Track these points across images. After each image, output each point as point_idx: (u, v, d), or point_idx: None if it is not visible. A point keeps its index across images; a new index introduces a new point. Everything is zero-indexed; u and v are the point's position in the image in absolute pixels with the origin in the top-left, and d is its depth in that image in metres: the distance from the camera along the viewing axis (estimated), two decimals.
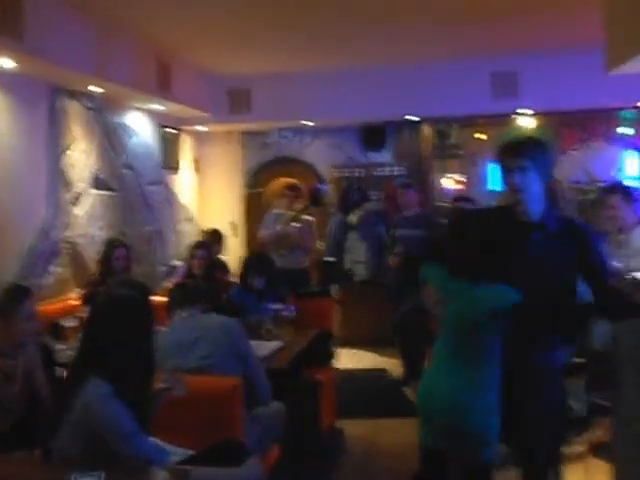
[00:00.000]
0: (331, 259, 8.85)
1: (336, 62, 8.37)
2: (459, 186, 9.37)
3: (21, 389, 3.49)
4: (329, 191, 8.18)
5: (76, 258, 6.46)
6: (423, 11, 6.32)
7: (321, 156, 9.86)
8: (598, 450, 4.73)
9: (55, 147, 6.27)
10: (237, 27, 6.67)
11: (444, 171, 9.49)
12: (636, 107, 8.75)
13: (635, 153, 8.92)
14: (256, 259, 5.94)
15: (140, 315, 3.02)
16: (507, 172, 3.11)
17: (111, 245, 6.29)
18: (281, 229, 7.54)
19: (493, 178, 8.88)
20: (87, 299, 5.52)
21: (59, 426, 2.86)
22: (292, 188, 7.90)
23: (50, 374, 3.70)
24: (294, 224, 7.58)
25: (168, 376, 3.22)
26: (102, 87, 6.60)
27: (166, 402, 3.21)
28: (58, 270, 6.25)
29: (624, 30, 4.73)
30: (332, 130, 9.74)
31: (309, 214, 7.79)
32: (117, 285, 4.57)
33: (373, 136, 9.68)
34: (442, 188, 9.43)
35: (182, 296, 4.18)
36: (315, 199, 7.71)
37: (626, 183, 6.45)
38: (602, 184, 8.00)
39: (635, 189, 5.66)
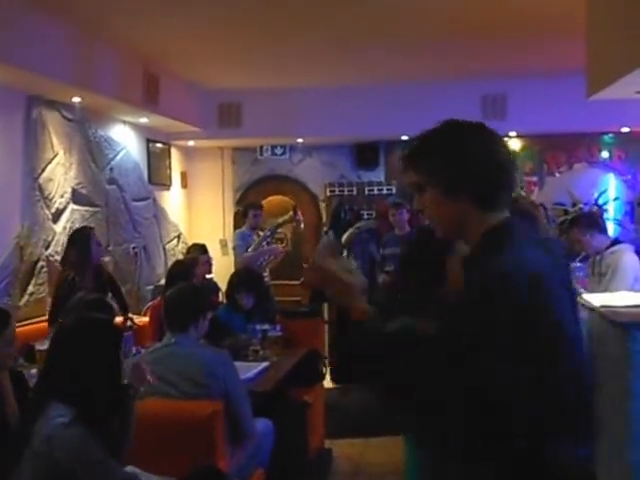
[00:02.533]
0: None
1: (329, 80, 8.37)
2: None
3: None
4: (302, 222, 8.11)
5: (54, 277, 6.12)
6: (417, 32, 6.40)
7: (313, 174, 9.80)
8: None
9: (32, 160, 6.04)
10: (229, 40, 6.59)
11: None
12: (618, 132, 9.03)
13: (616, 176, 9.22)
14: (244, 275, 5.75)
15: (104, 337, 2.87)
16: None
17: (89, 231, 5.91)
18: (260, 250, 7.31)
19: None
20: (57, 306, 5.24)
21: (19, 459, 2.65)
22: (257, 207, 7.75)
23: (22, 400, 3.45)
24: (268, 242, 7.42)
25: (130, 372, 3.03)
26: (84, 98, 6.41)
27: (145, 428, 3.08)
28: (35, 290, 5.99)
29: (604, 57, 4.86)
30: (324, 148, 9.71)
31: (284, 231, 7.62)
32: (83, 306, 4.31)
33: (366, 154, 9.65)
34: None
35: (176, 318, 3.92)
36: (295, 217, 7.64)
37: (593, 210, 7.32)
38: (584, 206, 8.78)
39: (600, 215, 6.43)
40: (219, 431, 3.57)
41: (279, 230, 7.66)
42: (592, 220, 5.53)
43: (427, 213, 1.93)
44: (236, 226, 9.70)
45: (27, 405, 2.97)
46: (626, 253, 5.08)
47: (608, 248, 5.17)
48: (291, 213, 7.65)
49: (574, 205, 8.88)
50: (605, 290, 4.76)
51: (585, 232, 5.24)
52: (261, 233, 7.49)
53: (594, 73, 5.02)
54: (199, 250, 7.32)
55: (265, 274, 7.40)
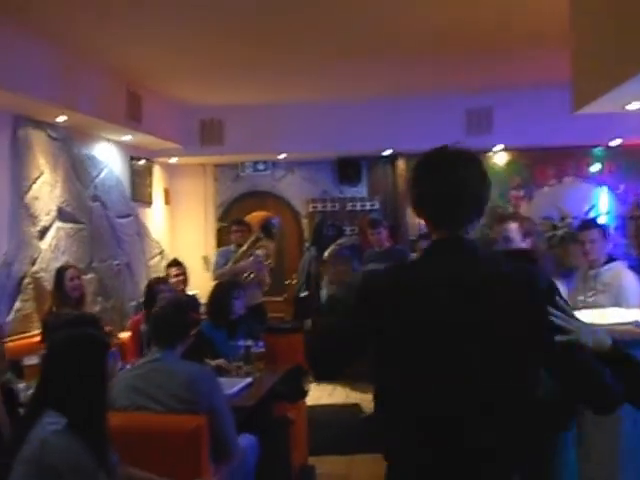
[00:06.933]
0: (305, 294, 8.71)
1: (311, 95, 8.40)
2: None
3: None
4: (280, 225, 8.04)
5: (41, 293, 6.25)
6: (399, 46, 6.39)
7: (295, 190, 9.85)
8: None
9: (18, 178, 6.11)
10: (210, 58, 6.66)
11: None
12: (606, 145, 8.99)
13: (606, 190, 9.12)
14: (229, 284, 5.78)
15: (90, 351, 2.93)
16: None
17: (61, 270, 6.10)
18: (236, 265, 7.32)
19: None
20: (48, 333, 5.36)
21: (11, 465, 2.73)
22: (239, 223, 7.75)
23: (12, 413, 3.52)
24: (249, 258, 7.38)
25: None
26: (69, 117, 6.47)
27: (129, 442, 3.14)
28: (22, 306, 6.06)
29: (589, 72, 4.79)
30: (306, 163, 9.73)
31: (261, 247, 7.58)
32: (71, 322, 4.39)
33: (348, 170, 9.66)
34: (417, 223, 9.35)
35: (164, 335, 3.95)
36: (267, 231, 7.54)
37: (598, 220, 6.66)
38: (573, 220, 8.40)
39: (607, 226, 5.83)
40: (203, 446, 3.57)
41: (259, 246, 7.58)
42: (606, 228, 5.17)
43: None
44: (219, 242, 9.76)
45: (19, 415, 3.04)
46: (625, 272, 4.80)
47: (604, 264, 4.87)
48: (257, 233, 7.52)
49: (562, 219, 8.80)
50: (599, 307, 4.54)
51: (604, 236, 4.92)
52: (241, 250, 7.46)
53: (580, 87, 4.93)
54: (172, 263, 7.45)
55: (259, 290, 7.45)
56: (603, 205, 9.08)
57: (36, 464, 2.68)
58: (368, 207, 9.45)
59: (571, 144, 8.75)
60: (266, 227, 7.49)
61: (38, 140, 6.41)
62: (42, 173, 6.43)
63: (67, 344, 2.96)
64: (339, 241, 8.62)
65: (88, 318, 4.50)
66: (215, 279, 7.23)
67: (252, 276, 7.30)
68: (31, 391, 4.05)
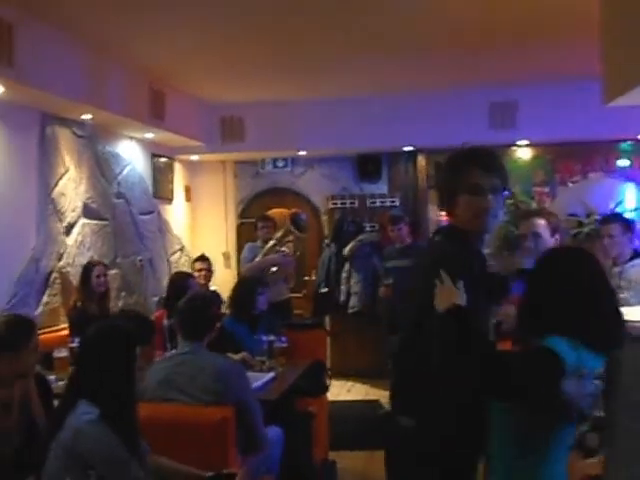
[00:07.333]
0: (324, 290, 8.77)
1: (331, 91, 8.35)
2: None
3: (18, 419, 3.41)
4: (308, 219, 8.10)
5: (67, 288, 6.36)
6: (419, 40, 6.31)
7: (315, 186, 9.82)
8: None
9: (46, 176, 6.22)
10: (231, 55, 6.67)
11: None
12: (635, 139, 8.75)
13: (634, 185, 8.79)
14: (253, 280, 5.84)
15: (124, 345, 3.01)
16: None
17: (89, 265, 6.25)
18: (265, 258, 7.39)
19: None
20: (74, 327, 5.51)
21: (49, 449, 2.84)
22: (265, 219, 7.82)
23: (47, 405, 3.62)
24: (278, 250, 7.46)
25: None
26: (94, 115, 6.56)
27: (156, 433, 3.19)
28: (49, 300, 6.17)
29: (622, 63, 4.65)
30: (326, 160, 9.70)
31: (288, 242, 7.65)
32: (116, 316, 4.55)
33: (368, 166, 9.59)
34: (438, 219, 9.38)
35: (192, 327, 4.05)
36: (297, 225, 7.60)
37: (625, 215, 6.39)
38: (599, 217, 7.94)
39: (633, 221, 5.71)
40: (230, 437, 3.63)
41: (286, 241, 7.65)
42: (631, 223, 5.15)
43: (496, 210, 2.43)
44: (239, 239, 9.84)
45: (60, 403, 3.11)
46: None
47: (628, 261, 4.86)
48: (287, 225, 7.58)
49: (589, 216, 8.34)
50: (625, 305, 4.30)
51: (626, 231, 4.91)
52: (268, 245, 7.50)
53: (611, 79, 4.75)
54: (198, 258, 7.58)
55: (285, 286, 7.58)
56: (630, 201, 8.68)
57: (68, 451, 2.78)
58: (388, 203, 9.35)
59: (598, 138, 8.51)
60: (296, 221, 7.55)
61: (64, 137, 6.51)
62: (68, 170, 6.54)
63: (98, 336, 3.04)
64: (359, 237, 8.67)
65: (137, 315, 4.60)
66: (244, 273, 7.35)
67: (278, 270, 7.36)
68: (61, 383, 4.28)
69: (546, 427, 2.28)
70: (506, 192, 2.32)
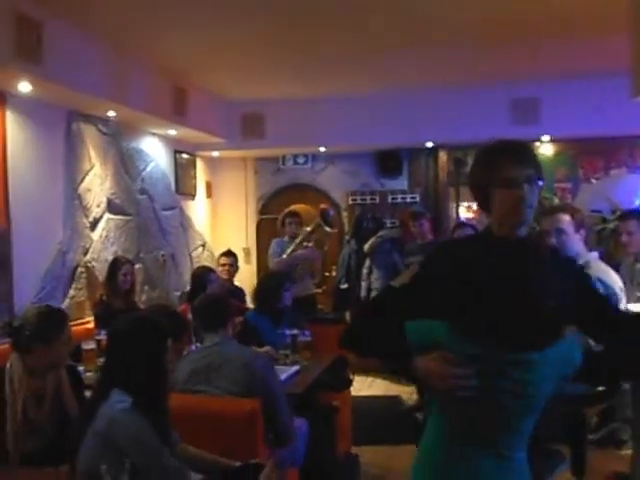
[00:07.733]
0: (345, 286, 8.80)
1: (351, 88, 8.35)
2: (471, 214, 9.35)
3: (51, 410, 3.47)
4: (335, 214, 8.11)
5: (92, 282, 6.48)
6: (442, 36, 6.30)
7: (335, 182, 9.84)
8: None
9: (72, 171, 6.32)
10: (252, 53, 6.72)
11: (460, 198, 9.44)
12: None
13: None
14: (281, 275, 5.87)
15: (148, 334, 3.05)
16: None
17: (117, 263, 6.31)
18: (294, 254, 7.44)
19: None
20: (99, 321, 5.60)
21: (83, 437, 2.88)
22: (293, 215, 7.80)
23: (78, 396, 3.68)
24: (306, 245, 7.50)
25: None
26: (118, 112, 6.65)
27: (185, 424, 3.24)
28: (75, 294, 6.28)
29: None
30: (346, 156, 9.71)
31: (316, 237, 7.67)
32: (150, 309, 4.66)
33: (388, 162, 9.59)
34: (458, 216, 9.41)
35: (212, 317, 4.09)
36: (326, 220, 7.62)
37: None
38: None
39: None
40: (258, 428, 3.67)
41: (313, 237, 7.68)
42: None
43: (532, 201, 2.26)
44: (259, 235, 9.90)
45: (93, 392, 3.14)
46: None
47: None
48: (318, 220, 7.61)
49: (613, 212, 8.32)
50: None
51: None
52: (297, 240, 7.52)
53: None
54: (224, 253, 7.59)
55: (312, 281, 7.61)
56: None
57: (102, 439, 2.82)
58: (409, 200, 9.35)
59: (621, 134, 8.41)
60: (325, 216, 7.58)
61: (89, 134, 6.60)
62: (93, 166, 6.63)
63: (130, 327, 3.08)
64: (380, 233, 8.65)
65: (168, 310, 4.67)
66: (272, 267, 7.38)
67: (306, 265, 7.41)
68: (89, 374, 4.39)
69: None
70: (541, 182, 2.26)
